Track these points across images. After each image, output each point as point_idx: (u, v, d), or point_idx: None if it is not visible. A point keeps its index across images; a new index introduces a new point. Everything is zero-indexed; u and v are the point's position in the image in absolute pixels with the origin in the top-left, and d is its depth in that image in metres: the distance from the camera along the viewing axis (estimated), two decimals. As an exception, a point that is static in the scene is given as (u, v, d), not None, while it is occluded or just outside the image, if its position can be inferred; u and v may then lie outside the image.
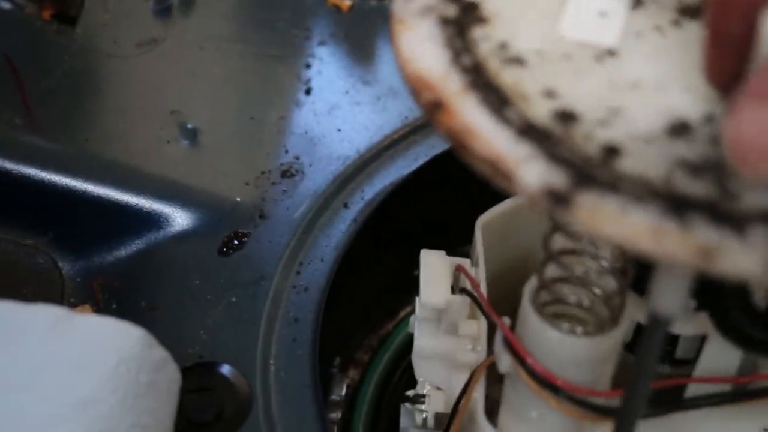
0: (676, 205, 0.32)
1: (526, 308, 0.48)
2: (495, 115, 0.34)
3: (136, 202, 0.69)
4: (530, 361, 0.47)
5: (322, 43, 0.80)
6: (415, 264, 0.77)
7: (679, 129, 0.34)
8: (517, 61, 0.37)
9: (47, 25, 0.76)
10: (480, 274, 0.56)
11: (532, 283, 0.48)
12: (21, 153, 0.69)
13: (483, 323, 0.56)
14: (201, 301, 0.66)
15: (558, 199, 0.32)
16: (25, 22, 0.76)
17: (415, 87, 0.36)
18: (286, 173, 0.72)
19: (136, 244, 0.69)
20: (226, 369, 0.63)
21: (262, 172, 0.72)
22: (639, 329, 0.52)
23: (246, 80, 0.78)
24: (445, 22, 0.38)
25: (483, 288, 0.55)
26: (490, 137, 0.34)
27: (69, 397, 0.52)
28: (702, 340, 0.51)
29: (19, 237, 0.69)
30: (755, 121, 0.30)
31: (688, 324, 0.50)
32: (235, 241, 0.69)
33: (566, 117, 0.35)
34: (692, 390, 0.51)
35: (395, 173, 0.73)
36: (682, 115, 0.35)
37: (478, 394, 0.53)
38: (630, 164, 0.33)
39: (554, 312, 0.49)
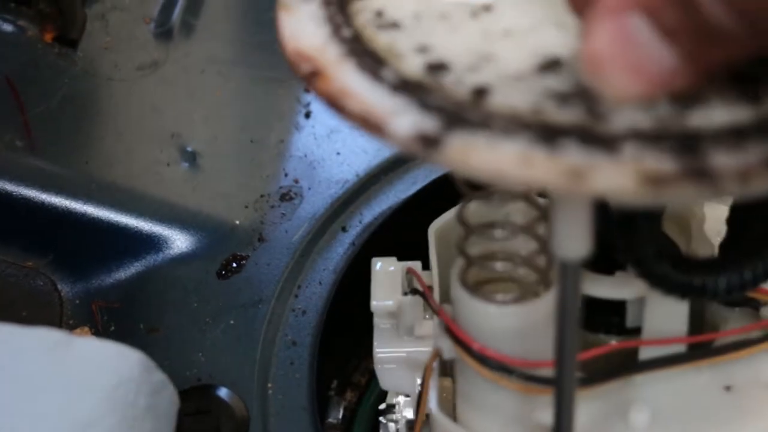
0: (546, 134, 0.33)
1: (457, 289, 0.49)
2: (370, 76, 0.36)
3: (136, 225, 0.70)
4: (464, 338, 0.48)
5: (321, 66, 0.80)
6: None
7: (550, 65, 0.36)
8: (392, 25, 0.39)
9: (49, 48, 0.77)
10: (433, 275, 0.57)
11: (458, 263, 0.49)
12: (21, 175, 0.70)
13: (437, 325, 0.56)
14: (199, 323, 0.67)
15: (429, 142, 0.33)
16: (26, 45, 0.76)
17: (294, 61, 0.38)
18: (285, 196, 0.73)
19: (136, 267, 0.69)
20: (223, 392, 0.63)
21: (262, 195, 0.73)
22: (589, 304, 0.51)
23: (246, 103, 0.79)
24: (328, 3, 0.40)
25: (436, 288, 0.56)
26: (364, 95, 0.35)
27: (67, 419, 0.53)
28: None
29: (18, 258, 0.69)
30: (605, 32, 0.31)
31: (627, 287, 0.49)
32: (234, 264, 0.70)
33: (437, 67, 0.36)
34: (645, 354, 0.51)
35: (394, 197, 0.74)
36: (553, 53, 0.36)
37: (431, 388, 0.54)
38: (499, 101, 0.34)
39: (487, 290, 0.49)
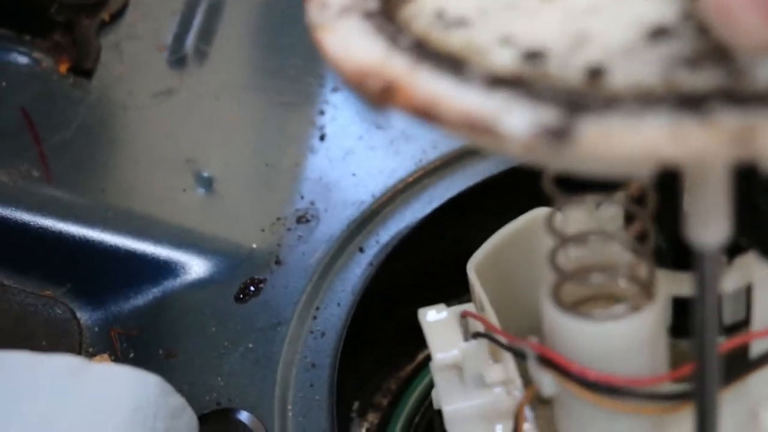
0: (689, 103, 0.30)
1: (551, 312, 0.45)
2: (454, 78, 0.33)
3: (153, 251, 0.70)
4: (576, 368, 0.44)
5: (335, 89, 0.80)
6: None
7: (658, 33, 0.33)
8: (460, 23, 0.36)
9: (63, 79, 0.78)
10: (488, 314, 0.54)
11: (548, 282, 0.45)
12: (38, 204, 0.70)
13: (510, 364, 0.52)
14: (218, 347, 0.67)
15: (557, 134, 0.30)
16: (41, 76, 0.77)
17: (357, 80, 0.34)
18: (302, 219, 0.73)
19: (153, 293, 0.70)
20: (243, 415, 0.63)
21: (278, 219, 0.73)
22: (678, 307, 0.49)
23: (260, 128, 0.79)
24: (369, 15, 0.37)
25: (495, 324, 0.52)
26: (458, 99, 0.32)
27: (86, 445, 0.53)
28: (747, 293, 0.48)
29: (37, 288, 0.69)
30: None
31: (728, 278, 0.46)
32: (252, 288, 0.70)
33: (534, 56, 0.33)
34: (757, 349, 0.47)
35: (410, 217, 0.73)
36: (653, 21, 0.33)
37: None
38: (620, 79, 0.32)
39: (584, 309, 0.46)
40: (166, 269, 0.70)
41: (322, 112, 0.79)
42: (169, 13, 0.83)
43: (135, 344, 0.68)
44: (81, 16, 0.80)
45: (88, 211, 0.71)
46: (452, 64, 0.33)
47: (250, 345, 0.67)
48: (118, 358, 0.67)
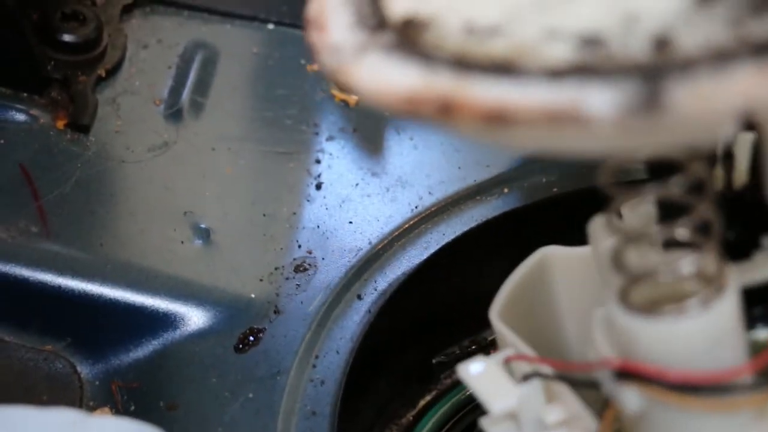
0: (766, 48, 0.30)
1: (621, 318, 0.43)
2: (512, 80, 0.32)
3: (152, 303, 0.70)
4: (665, 371, 0.41)
5: (330, 138, 0.81)
6: (433, 352, 0.77)
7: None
8: (494, 31, 0.35)
9: (61, 134, 0.78)
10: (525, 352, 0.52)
11: (613, 288, 0.44)
12: (37, 260, 0.70)
13: (570, 398, 0.50)
14: (219, 398, 0.67)
15: (647, 103, 0.30)
16: (39, 132, 0.77)
17: (408, 108, 0.34)
18: (299, 268, 0.73)
19: (153, 345, 0.70)
20: (245, 466, 0.63)
21: (276, 268, 0.73)
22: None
23: (257, 178, 0.79)
24: (389, 48, 0.36)
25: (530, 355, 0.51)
26: (525, 96, 0.31)
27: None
28: None
29: (37, 343, 0.69)
30: None
31: None
32: (251, 338, 0.70)
33: (589, 42, 0.33)
34: None
35: (407, 263, 0.74)
36: None
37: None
38: (690, 43, 0.31)
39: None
40: (165, 321, 0.70)
41: (317, 161, 0.80)
42: (164, 67, 0.84)
43: (136, 397, 0.68)
44: (77, 73, 0.80)
45: (86, 265, 0.71)
46: (502, 68, 0.33)
47: (251, 395, 0.67)
48: (119, 411, 0.67)
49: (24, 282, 0.70)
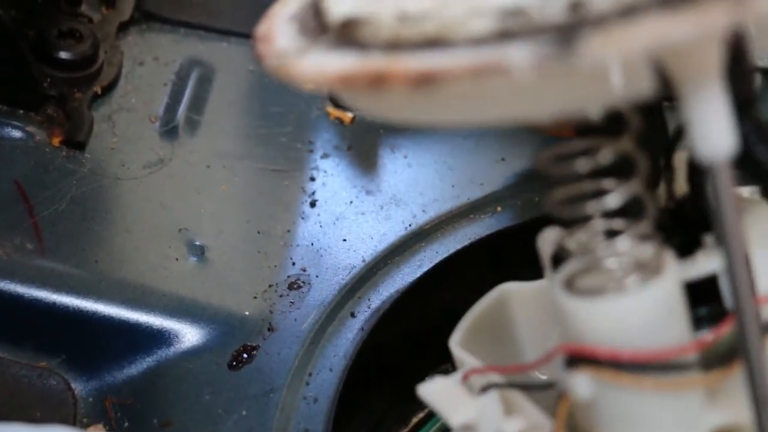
0: None
1: (567, 303, 0.44)
2: (440, 50, 0.35)
3: (146, 320, 0.71)
4: (613, 351, 0.42)
5: (325, 155, 0.82)
6: (427, 370, 0.77)
7: None
8: (424, 16, 0.38)
9: (57, 151, 0.78)
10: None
11: (558, 277, 0.45)
12: (32, 277, 0.71)
13: (528, 407, 0.51)
14: (212, 415, 0.67)
15: (562, 49, 0.33)
16: (35, 149, 0.77)
17: (342, 83, 0.37)
18: (293, 285, 0.73)
19: (147, 362, 0.70)
20: (238, 483, 0.64)
21: (270, 285, 0.73)
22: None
23: (252, 195, 0.80)
24: (329, 46, 0.40)
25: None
26: (452, 59, 0.34)
27: None
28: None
29: (31, 360, 0.69)
30: None
31: (714, 257, 0.45)
32: (245, 355, 0.70)
33: (511, 14, 0.36)
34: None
35: (400, 281, 0.74)
36: None
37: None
38: (601, 3, 0.34)
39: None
40: (159, 338, 0.70)
41: (312, 179, 0.80)
42: (160, 84, 0.84)
43: (130, 414, 0.68)
44: (73, 90, 0.80)
45: (81, 282, 0.71)
46: (431, 43, 0.36)
47: (244, 412, 0.67)
48: (113, 428, 0.67)
49: (19, 299, 0.70)
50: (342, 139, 0.83)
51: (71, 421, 0.67)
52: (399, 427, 0.76)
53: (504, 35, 0.35)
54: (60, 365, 0.70)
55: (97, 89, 0.82)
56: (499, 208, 0.77)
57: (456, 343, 0.57)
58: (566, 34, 0.34)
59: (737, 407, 0.44)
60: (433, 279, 0.74)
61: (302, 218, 0.78)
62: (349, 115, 0.84)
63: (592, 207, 0.44)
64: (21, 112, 0.78)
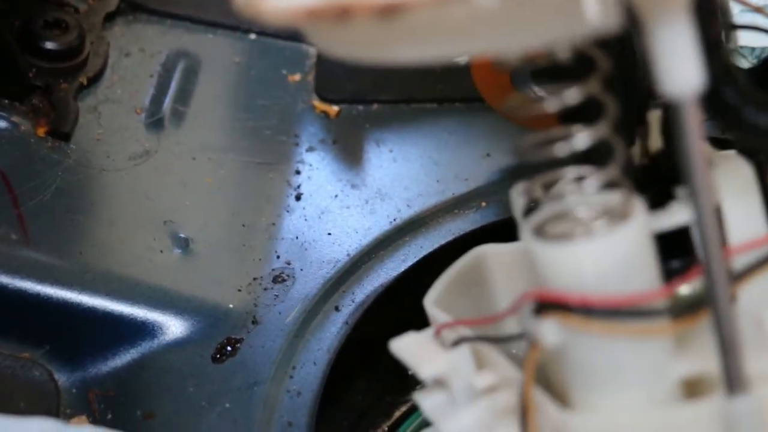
0: None
1: (537, 249, 0.45)
2: None
3: (131, 312, 0.71)
4: (581, 296, 0.42)
5: (311, 149, 0.82)
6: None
7: None
8: None
9: (42, 142, 0.78)
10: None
11: (530, 221, 0.46)
12: (16, 267, 0.71)
13: (499, 364, 0.51)
14: (196, 408, 0.67)
15: None
16: (20, 139, 0.77)
17: (311, 15, 0.38)
18: (278, 278, 0.74)
19: (131, 354, 0.70)
20: (220, 476, 0.64)
21: (254, 278, 0.74)
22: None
23: (237, 188, 0.80)
24: None
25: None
26: None
27: None
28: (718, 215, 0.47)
29: (15, 350, 0.69)
30: None
31: (686, 208, 0.45)
32: (229, 348, 0.70)
33: None
34: (740, 263, 0.47)
35: (385, 275, 0.75)
36: None
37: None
38: None
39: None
40: (143, 330, 0.71)
41: (297, 172, 0.81)
42: (146, 75, 0.85)
43: (113, 405, 0.68)
44: (59, 81, 0.80)
45: (66, 273, 0.72)
46: None
47: (227, 405, 0.67)
48: (96, 419, 0.67)
49: (3, 289, 0.70)
50: (327, 132, 0.83)
51: (54, 413, 0.67)
52: (382, 420, 0.77)
53: None
54: (43, 356, 0.70)
55: (83, 80, 0.82)
56: (483, 204, 0.78)
57: (431, 301, 0.56)
58: None
59: (705, 356, 0.44)
60: (418, 273, 0.74)
61: (287, 211, 0.78)
62: (335, 108, 0.85)
63: (560, 149, 0.44)
64: (6, 102, 0.78)
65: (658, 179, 0.48)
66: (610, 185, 0.45)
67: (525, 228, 0.46)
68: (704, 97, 0.40)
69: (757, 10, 0.64)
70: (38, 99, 0.79)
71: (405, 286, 0.74)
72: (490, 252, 0.59)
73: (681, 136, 0.38)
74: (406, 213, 0.78)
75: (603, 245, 0.44)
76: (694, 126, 0.38)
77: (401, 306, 0.75)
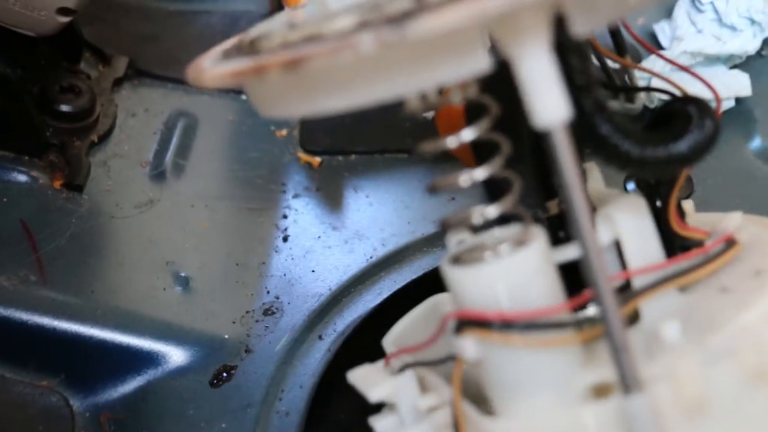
0: None
1: (452, 274, 0.47)
2: (313, 43, 0.41)
3: (137, 343, 0.73)
4: (493, 312, 0.44)
5: (296, 195, 0.84)
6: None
7: None
8: (303, 22, 0.45)
9: (58, 193, 0.80)
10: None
11: (447, 255, 0.49)
12: (35, 305, 0.73)
13: (442, 388, 0.52)
14: (196, 428, 0.70)
15: (397, 23, 0.38)
16: (38, 191, 0.79)
17: (234, 79, 0.42)
18: (268, 311, 0.77)
19: (138, 380, 0.73)
20: (219, 487, 0.66)
21: (247, 312, 0.77)
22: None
23: (231, 232, 0.82)
24: (235, 57, 0.45)
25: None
26: (320, 46, 0.40)
27: None
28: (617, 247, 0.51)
29: (34, 379, 0.72)
30: None
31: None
32: (225, 374, 0.73)
33: (372, 8, 0.41)
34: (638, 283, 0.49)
35: (363, 307, 0.77)
36: None
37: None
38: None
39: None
40: (148, 359, 0.73)
41: (285, 216, 0.82)
42: (150, 133, 0.86)
43: (122, 428, 0.71)
44: (73, 139, 0.82)
45: (79, 310, 0.74)
46: (309, 39, 0.42)
47: (224, 425, 0.70)
48: (107, 440, 0.69)
49: (23, 324, 0.73)
50: (311, 181, 0.85)
51: (69, 435, 0.69)
52: (363, 436, 0.80)
53: (362, 25, 0.40)
54: (60, 384, 0.72)
55: (94, 138, 0.84)
56: (450, 243, 0.81)
57: (389, 341, 0.59)
58: (405, 17, 0.39)
59: (609, 366, 0.46)
60: (392, 305, 0.77)
61: (276, 251, 0.80)
62: (318, 159, 0.86)
63: (462, 182, 0.48)
64: (26, 158, 0.81)
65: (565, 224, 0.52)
66: (514, 218, 0.49)
67: (443, 261, 0.50)
68: (580, 131, 0.43)
69: (655, 74, 0.66)
70: (54, 155, 0.81)
71: (381, 317, 0.76)
72: (445, 299, 0.62)
73: (555, 161, 0.41)
74: (382, 251, 0.79)
75: (509, 264, 0.46)
76: (565, 150, 0.41)
77: (378, 334, 0.77)
